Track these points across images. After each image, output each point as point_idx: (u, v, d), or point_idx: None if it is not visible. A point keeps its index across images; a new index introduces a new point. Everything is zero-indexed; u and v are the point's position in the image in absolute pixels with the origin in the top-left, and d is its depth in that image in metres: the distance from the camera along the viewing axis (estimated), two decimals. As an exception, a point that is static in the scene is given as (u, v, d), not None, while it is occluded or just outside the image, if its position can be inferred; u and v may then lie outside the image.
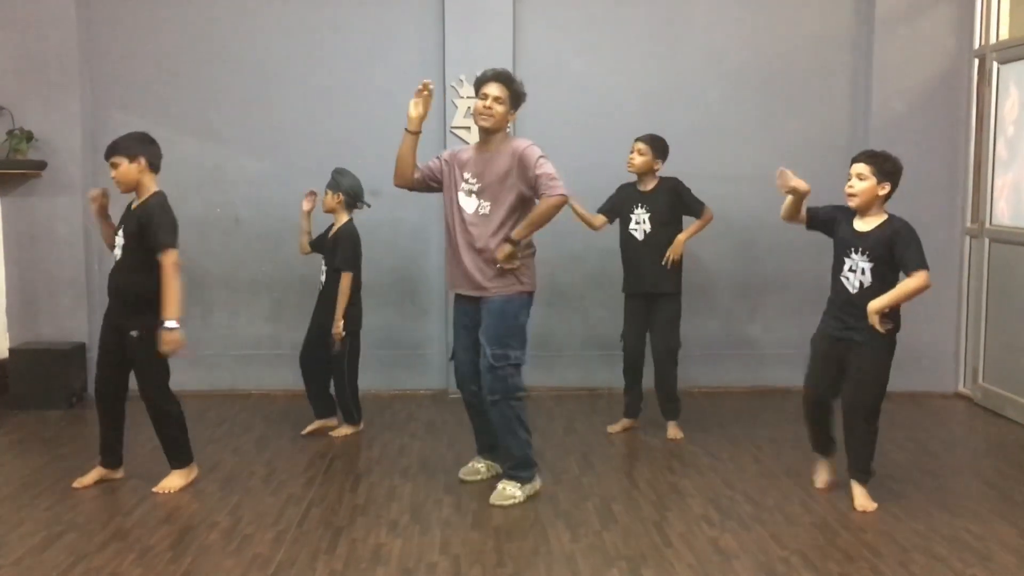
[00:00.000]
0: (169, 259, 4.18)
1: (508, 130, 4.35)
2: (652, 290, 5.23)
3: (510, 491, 4.30)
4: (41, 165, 5.98)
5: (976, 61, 6.22)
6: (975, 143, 6.22)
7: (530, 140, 4.34)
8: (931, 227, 6.24)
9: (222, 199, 6.26)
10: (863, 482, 4.22)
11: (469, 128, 6.14)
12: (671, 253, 5.17)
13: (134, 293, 4.26)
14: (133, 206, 4.33)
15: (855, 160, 4.11)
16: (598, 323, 6.28)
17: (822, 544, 3.80)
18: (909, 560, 3.64)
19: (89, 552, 3.69)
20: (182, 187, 6.21)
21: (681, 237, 5.21)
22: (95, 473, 4.49)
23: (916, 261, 3.91)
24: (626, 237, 5.29)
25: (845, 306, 4.13)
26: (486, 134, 4.30)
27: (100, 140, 6.25)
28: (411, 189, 4.47)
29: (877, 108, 6.27)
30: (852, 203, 4.08)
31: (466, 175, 4.31)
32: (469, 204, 4.30)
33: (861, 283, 4.06)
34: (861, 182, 4.04)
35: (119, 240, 4.34)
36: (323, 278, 5.30)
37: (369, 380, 5.89)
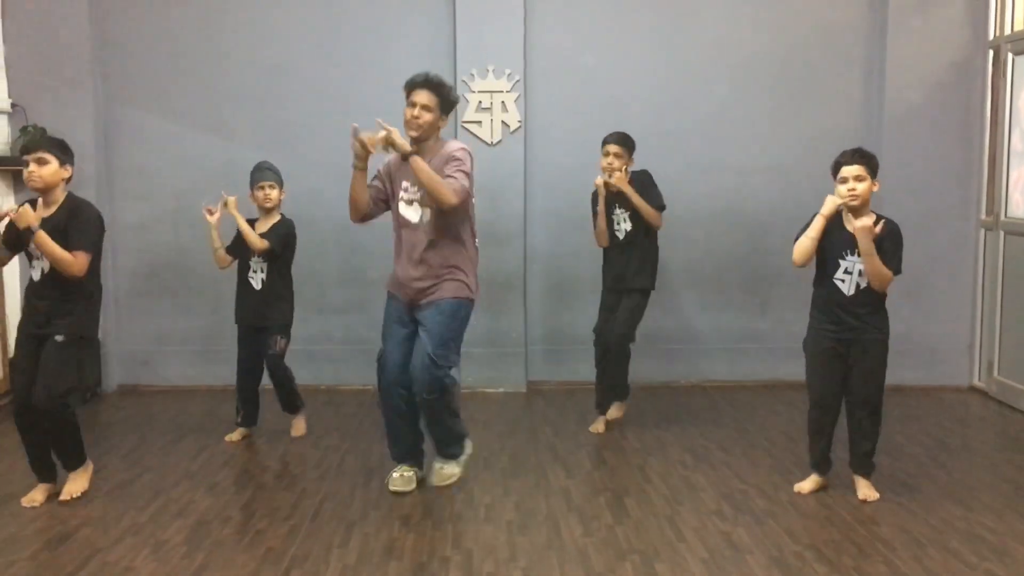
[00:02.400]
0: (84, 263, 4.03)
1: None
2: (626, 286, 5.25)
3: (448, 470, 4.37)
4: (54, 162, 5.99)
5: (991, 52, 6.17)
6: (990, 135, 6.17)
7: (463, 143, 4.24)
8: (945, 219, 6.25)
9: (233, 195, 6.26)
10: (868, 476, 4.23)
11: (481, 123, 6.14)
12: (615, 180, 5.04)
13: (62, 296, 4.09)
14: (44, 214, 4.06)
15: (847, 163, 4.03)
16: (610, 317, 6.24)
17: (836, 538, 3.79)
18: (924, 554, 3.62)
19: (104, 547, 3.71)
20: (193, 183, 6.26)
21: (626, 183, 5.05)
22: (44, 490, 4.25)
23: (898, 265, 4.03)
24: (609, 237, 5.27)
25: (839, 309, 4.12)
26: (415, 142, 4.11)
27: (113, 137, 6.31)
28: (369, 219, 4.34)
29: (891, 100, 6.22)
30: (854, 204, 4.02)
31: (404, 183, 4.19)
32: (411, 213, 4.18)
33: (858, 284, 4.07)
34: (861, 183, 4.01)
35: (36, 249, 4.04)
36: (262, 276, 5.09)
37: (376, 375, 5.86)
